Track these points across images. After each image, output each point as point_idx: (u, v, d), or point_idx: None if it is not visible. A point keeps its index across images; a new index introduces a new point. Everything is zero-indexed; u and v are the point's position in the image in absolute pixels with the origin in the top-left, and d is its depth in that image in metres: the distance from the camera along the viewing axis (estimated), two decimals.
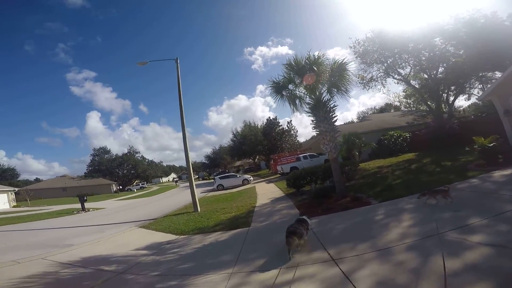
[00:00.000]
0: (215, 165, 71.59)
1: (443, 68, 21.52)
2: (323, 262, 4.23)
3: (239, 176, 25.22)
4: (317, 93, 9.42)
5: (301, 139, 44.26)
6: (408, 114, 30.98)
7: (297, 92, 10.13)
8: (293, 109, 10.18)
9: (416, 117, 28.56)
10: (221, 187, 23.47)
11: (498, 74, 21.31)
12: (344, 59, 9.57)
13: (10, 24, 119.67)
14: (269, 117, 41.39)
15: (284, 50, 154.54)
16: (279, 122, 40.02)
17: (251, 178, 25.60)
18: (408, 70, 23.35)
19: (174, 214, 12.68)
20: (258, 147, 42.92)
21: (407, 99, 43.67)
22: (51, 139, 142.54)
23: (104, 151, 71.01)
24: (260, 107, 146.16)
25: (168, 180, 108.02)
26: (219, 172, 55.47)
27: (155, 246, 7.18)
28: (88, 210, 19.69)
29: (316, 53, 9.11)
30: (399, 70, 23.12)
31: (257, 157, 49.83)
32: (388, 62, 22.30)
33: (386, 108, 50.83)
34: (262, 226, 7.43)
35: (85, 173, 65.34)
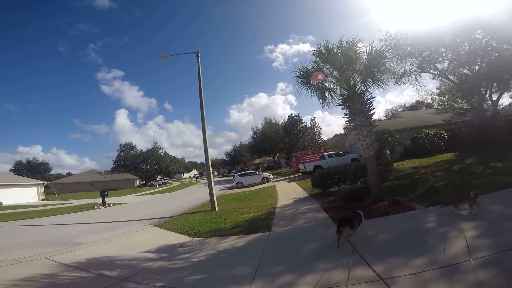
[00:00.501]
0: (235, 162, 71.47)
1: (484, 63, 19.32)
2: (368, 282, 3.26)
3: (259, 174, 24.36)
4: (352, 83, 8.26)
5: (324, 137, 42.47)
6: (443, 111, 28.39)
7: (327, 83, 9.02)
8: (322, 103, 9.08)
9: (453, 115, 26.14)
10: (240, 185, 22.76)
11: None
12: (382, 45, 8.34)
13: (44, 27, 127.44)
14: (291, 113, 40.14)
15: (306, 47, 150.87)
16: (302, 119, 38.66)
17: (271, 176, 24.64)
18: (445, 64, 21.47)
19: (191, 213, 12.11)
20: (278, 144, 41.79)
21: (442, 96, 40.41)
22: (83, 135, 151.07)
23: (129, 146, 72.92)
24: (280, 105, 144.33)
25: (190, 176, 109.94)
26: (238, 169, 55.17)
27: (166, 248, 6.50)
28: (109, 205, 19.84)
29: (350, 39, 7.95)
30: (436, 64, 21.24)
31: (277, 154, 48.69)
32: (423, 55, 20.48)
33: (417, 106, 47.47)
34: (284, 232, 6.46)
35: (112, 168, 67.64)
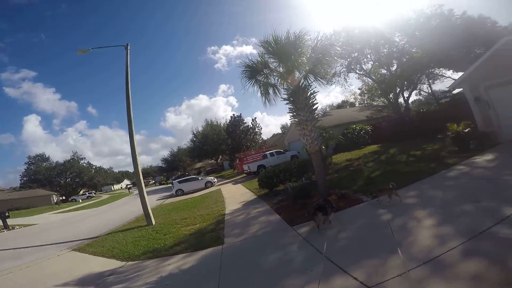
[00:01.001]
0: (173, 168, 67.04)
1: (399, 65, 22.29)
2: None
3: (201, 179, 22.93)
4: (296, 77, 8.09)
5: (263, 137, 43.29)
6: (365, 109, 32.01)
7: (272, 78, 8.73)
8: (265, 99, 8.69)
9: (373, 111, 29.57)
10: (180, 192, 20.97)
11: (446, 72, 23.19)
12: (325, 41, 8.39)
13: None
14: (233, 114, 39.60)
15: (249, 49, 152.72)
16: (244, 120, 38.54)
17: (215, 180, 23.57)
18: (369, 65, 24.05)
19: (122, 230, 10.30)
20: (221, 146, 40.78)
21: (362, 95, 45.99)
22: None
23: (41, 158, 62.27)
24: (222, 107, 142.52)
25: (121, 187, 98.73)
26: (178, 176, 51.85)
27: (91, 279, 5.12)
28: (12, 228, 15.71)
29: (297, 31, 7.73)
30: (362, 65, 23.61)
31: (220, 157, 47.58)
32: (352, 56, 22.47)
33: (342, 105, 52.82)
34: (240, 243, 5.71)
35: (20, 184, 55.87)
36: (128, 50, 11.91)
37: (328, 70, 8.44)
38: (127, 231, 9.99)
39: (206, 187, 21.59)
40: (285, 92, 8.33)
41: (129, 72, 11.64)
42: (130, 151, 10.66)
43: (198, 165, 67.18)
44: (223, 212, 9.43)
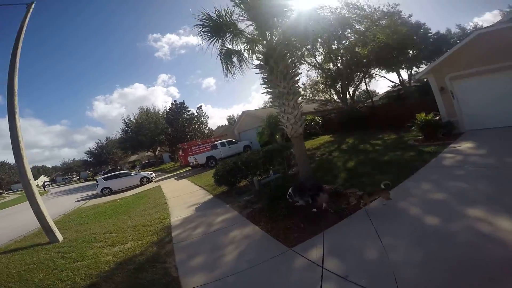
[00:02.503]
0: (101, 163, 57.71)
1: (345, 60, 22.59)
2: None
3: (135, 174, 18.85)
4: (274, 42, 5.91)
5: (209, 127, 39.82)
6: (311, 102, 32.32)
7: (238, 44, 6.43)
8: (226, 70, 6.38)
9: (319, 104, 30.12)
10: (107, 192, 16.72)
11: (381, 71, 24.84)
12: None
13: None
14: (175, 100, 34.92)
15: (196, 40, 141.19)
16: (188, 107, 34.31)
17: (153, 175, 19.78)
18: (319, 59, 23.89)
19: (10, 250, 6.73)
20: (159, 136, 35.84)
21: (304, 90, 46.93)
22: None
23: None
24: (161, 97, 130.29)
25: (38, 185, 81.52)
26: (108, 171, 44.44)
27: None
28: None
29: None
30: (316, 58, 23.30)
31: (159, 149, 42.27)
32: (307, 47, 21.76)
33: None
34: None
35: None
36: (31, 9, 7.90)
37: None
38: (16, 252, 6.49)
39: (141, 184, 17.85)
40: (254, 64, 6.12)
41: (22, 35, 7.61)
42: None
43: (133, 158, 59.57)
44: (168, 222, 6.71)
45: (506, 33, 8.50)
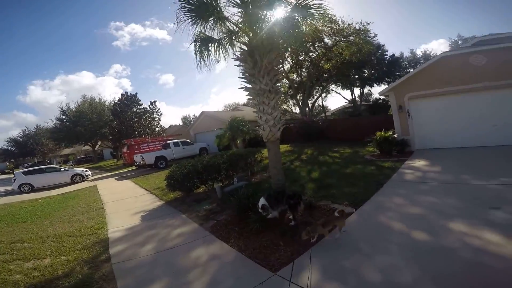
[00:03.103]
0: (26, 153, 48.69)
1: (310, 72, 23.36)
2: None
3: (65, 170, 15.90)
4: (260, 28, 5.24)
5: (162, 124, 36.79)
6: None
7: (216, 31, 5.64)
8: (201, 59, 5.56)
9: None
10: (27, 189, 13.63)
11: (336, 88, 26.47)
12: None
13: None
14: (126, 92, 31.25)
15: (162, 34, 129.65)
16: (140, 100, 30.95)
17: (89, 172, 16.95)
18: (286, 67, 24.13)
19: None
20: (102, 129, 31.67)
21: None
22: None
23: None
24: (111, 89, 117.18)
25: None
26: (34, 163, 37.55)
27: None
28: None
29: None
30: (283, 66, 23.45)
31: (100, 143, 37.44)
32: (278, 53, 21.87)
33: (247, 105, 53.19)
34: None
35: None
36: None
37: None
38: None
39: (73, 182, 15.11)
40: (235, 55, 5.37)
41: None
42: None
43: (67, 151, 52.01)
44: (104, 233, 5.34)
45: (468, 58, 9.04)
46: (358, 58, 19.81)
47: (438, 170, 7.16)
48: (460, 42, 33.04)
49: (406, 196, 5.34)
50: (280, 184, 5.24)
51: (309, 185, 7.18)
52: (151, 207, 7.10)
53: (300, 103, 25.23)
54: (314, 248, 3.56)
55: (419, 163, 8.11)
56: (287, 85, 25.79)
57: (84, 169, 16.97)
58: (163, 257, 4.01)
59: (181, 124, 54.89)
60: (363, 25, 18.38)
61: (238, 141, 17.50)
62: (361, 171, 8.09)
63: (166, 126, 36.84)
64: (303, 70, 23.59)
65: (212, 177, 7.74)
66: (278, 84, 5.46)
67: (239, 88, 5.47)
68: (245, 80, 5.33)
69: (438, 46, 54.37)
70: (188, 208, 6.29)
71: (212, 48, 5.65)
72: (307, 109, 26.47)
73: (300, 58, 22.16)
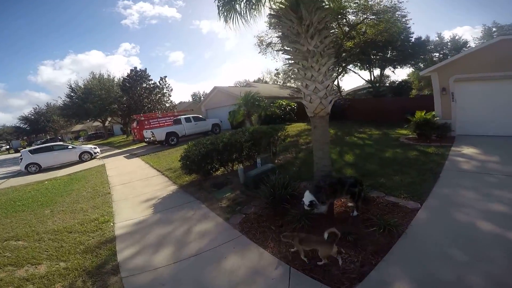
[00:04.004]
0: (38, 130, 48.92)
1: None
2: None
3: (73, 148, 15.25)
4: None
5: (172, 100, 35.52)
6: (284, 87, 31.05)
7: None
8: (224, 20, 4.30)
9: (292, 91, 29.04)
10: (35, 169, 13.05)
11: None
12: None
13: None
14: (135, 67, 29.83)
15: (171, 12, 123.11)
16: (150, 76, 29.36)
17: (98, 149, 16.28)
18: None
19: None
20: (111, 105, 30.81)
21: (277, 76, 45.53)
22: None
23: None
24: (120, 67, 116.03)
25: None
26: (46, 140, 37.63)
27: None
28: None
29: None
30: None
31: (110, 119, 36.85)
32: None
33: (258, 82, 51.13)
34: None
35: None
36: None
37: None
38: None
39: (81, 161, 14.51)
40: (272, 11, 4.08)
41: None
42: None
43: (78, 127, 52.07)
44: (111, 230, 4.46)
45: None
46: (385, 38, 17.93)
47: (497, 160, 6.18)
48: (494, 29, 29.68)
49: (475, 189, 4.40)
50: (326, 171, 4.16)
51: (347, 171, 6.12)
52: (164, 192, 6.18)
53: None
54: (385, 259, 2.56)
55: (469, 150, 7.15)
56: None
57: (93, 146, 16.28)
58: (186, 269, 3.10)
59: (191, 100, 53.68)
60: (394, 3, 16.15)
61: (253, 118, 16.41)
62: (404, 157, 7.02)
63: (177, 102, 35.73)
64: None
65: (233, 158, 6.73)
66: (331, 49, 4.14)
67: (277, 50, 4.27)
68: (287, 40, 4.04)
69: (463, 33, 49.98)
70: (208, 196, 5.34)
71: (238, 6, 4.36)
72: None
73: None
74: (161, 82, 30.94)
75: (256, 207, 4.29)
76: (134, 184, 7.49)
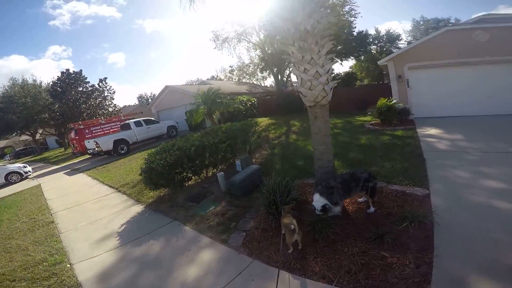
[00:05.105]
0: None
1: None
2: None
3: None
4: None
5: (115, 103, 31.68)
6: (241, 84, 30.64)
7: None
8: None
9: (249, 87, 28.88)
10: None
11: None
12: None
13: None
14: (67, 69, 25.53)
15: (110, 11, 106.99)
16: (86, 78, 25.41)
17: (29, 168, 13.41)
18: (258, 38, 22.36)
19: None
20: (41, 114, 26.04)
21: (231, 73, 44.70)
22: None
23: None
24: (48, 73, 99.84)
25: None
26: None
27: None
28: None
29: None
30: (258, 36, 21.65)
31: (41, 131, 31.39)
32: (247, 25, 20.02)
33: (212, 80, 49.43)
34: None
35: None
36: None
37: None
38: None
39: (9, 183, 11.78)
40: None
41: None
42: None
43: (1, 143, 43.67)
44: (69, 274, 3.25)
45: (471, 33, 9.30)
46: (335, 32, 18.80)
47: (461, 138, 6.76)
48: (421, 23, 33.60)
49: (465, 168, 4.52)
50: (329, 168, 3.66)
51: (335, 163, 5.77)
52: (128, 215, 4.97)
53: (279, 75, 23.66)
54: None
55: (433, 131, 7.66)
56: (261, 56, 23.87)
57: (22, 165, 13.38)
58: None
59: (137, 103, 49.43)
60: None
61: (214, 116, 15.39)
62: (380, 142, 7.13)
63: (121, 106, 32.17)
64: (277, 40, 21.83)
65: (206, 163, 5.83)
66: (330, 32, 3.57)
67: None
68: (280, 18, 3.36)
69: (391, 27, 56.23)
70: (187, 214, 4.39)
71: None
72: (284, 80, 24.97)
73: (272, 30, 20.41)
74: (100, 84, 27.35)
75: (255, 220, 3.58)
76: (83, 207, 6.02)
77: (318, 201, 3.04)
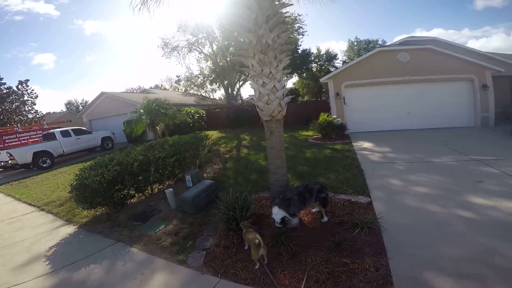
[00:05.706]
0: None
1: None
2: None
3: None
4: None
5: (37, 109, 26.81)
6: (188, 95, 29.83)
7: None
8: None
9: (197, 98, 28.36)
10: None
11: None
12: None
13: None
14: None
15: (46, 8, 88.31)
16: (2, 79, 20.86)
17: None
18: (211, 49, 22.33)
19: None
20: None
21: (178, 83, 43.33)
22: None
23: None
24: None
25: None
26: None
27: None
28: None
29: None
30: (212, 46, 21.41)
31: None
32: (200, 35, 19.71)
33: (155, 89, 46.79)
34: None
35: None
36: None
37: None
38: None
39: None
40: None
41: None
42: None
43: None
44: None
45: (396, 54, 10.40)
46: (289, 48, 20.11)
47: (389, 150, 7.69)
48: (355, 43, 37.27)
49: (397, 177, 5.19)
50: (284, 181, 3.78)
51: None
52: (57, 237, 4.15)
53: (229, 88, 23.77)
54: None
55: (366, 144, 8.61)
56: (212, 68, 23.74)
57: None
58: None
59: (64, 110, 43.38)
60: (295, 16, 18.23)
61: (158, 128, 14.43)
62: (323, 155, 7.70)
63: (44, 113, 27.72)
64: (230, 54, 22.04)
65: (151, 180, 5.36)
66: (286, 43, 3.76)
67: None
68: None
69: (329, 46, 62.29)
70: (132, 234, 3.90)
71: None
72: (234, 94, 25.18)
73: (225, 43, 20.65)
74: (20, 87, 23.14)
75: (215, 237, 3.39)
76: None
77: (278, 213, 3.08)
